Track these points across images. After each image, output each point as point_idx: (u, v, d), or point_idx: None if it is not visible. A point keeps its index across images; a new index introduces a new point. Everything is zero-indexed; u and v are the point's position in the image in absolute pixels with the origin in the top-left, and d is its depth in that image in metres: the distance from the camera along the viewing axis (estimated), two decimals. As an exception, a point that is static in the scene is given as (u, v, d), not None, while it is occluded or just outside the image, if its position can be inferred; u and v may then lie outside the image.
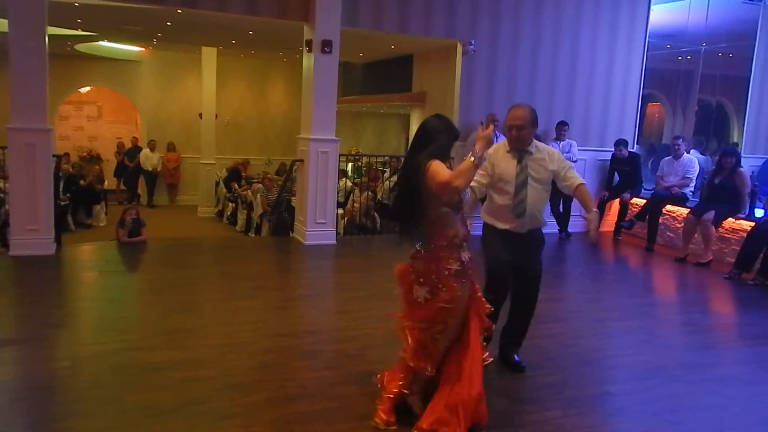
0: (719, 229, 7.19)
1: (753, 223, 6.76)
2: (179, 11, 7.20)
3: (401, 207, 3.21)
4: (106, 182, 13.14)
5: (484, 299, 3.25)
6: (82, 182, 11.32)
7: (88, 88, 14.47)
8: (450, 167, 3.05)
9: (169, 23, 8.78)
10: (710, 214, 7.08)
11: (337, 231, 7.85)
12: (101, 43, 12.03)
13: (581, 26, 8.60)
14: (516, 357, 3.89)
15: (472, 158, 2.91)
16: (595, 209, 3.70)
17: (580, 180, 3.75)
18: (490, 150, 3.64)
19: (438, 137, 3.07)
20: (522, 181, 3.64)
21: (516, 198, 3.65)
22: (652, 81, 9.46)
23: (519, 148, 3.64)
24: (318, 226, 7.36)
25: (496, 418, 3.16)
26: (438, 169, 2.98)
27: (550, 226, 5.64)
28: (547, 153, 3.72)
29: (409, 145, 3.23)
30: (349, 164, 11.71)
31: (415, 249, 3.12)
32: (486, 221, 3.83)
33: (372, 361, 3.74)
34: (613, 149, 8.60)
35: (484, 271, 3.68)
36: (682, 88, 10.31)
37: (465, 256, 3.09)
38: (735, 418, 3.48)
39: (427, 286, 3.04)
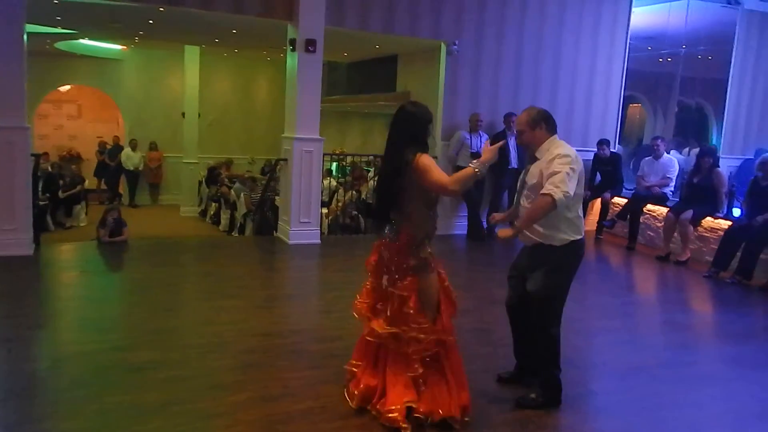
0: (698, 228, 7.30)
1: (730, 222, 6.88)
2: (161, 9, 7.13)
3: (384, 195, 3.20)
4: (86, 182, 12.98)
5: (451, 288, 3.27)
6: (61, 182, 11.15)
7: (67, 87, 14.27)
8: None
9: (151, 21, 8.69)
10: (688, 213, 7.19)
11: (321, 230, 7.85)
12: (81, 41, 11.85)
13: (564, 27, 8.67)
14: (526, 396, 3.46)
15: (476, 169, 2.96)
16: (514, 229, 3.24)
17: (547, 189, 3.12)
18: None
19: (419, 121, 3.12)
20: (520, 188, 3.52)
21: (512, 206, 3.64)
22: (633, 82, 9.57)
23: (530, 153, 3.45)
24: (302, 225, 7.34)
25: (477, 416, 3.18)
26: (431, 166, 2.99)
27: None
28: (550, 156, 3.24)
29: (390, 132, 3.18)
30: (334, 164, 11.69)
31: (383, 236, 3.19)
32: None
33: (356, 360, 3.72)
34: (595, 149, 8.68)
35: None
36: (662, 90, 10.43)
37: (426, 252, 3.13)
38: (715, 415, 3.54)
39: (387, 274, 3.16)
